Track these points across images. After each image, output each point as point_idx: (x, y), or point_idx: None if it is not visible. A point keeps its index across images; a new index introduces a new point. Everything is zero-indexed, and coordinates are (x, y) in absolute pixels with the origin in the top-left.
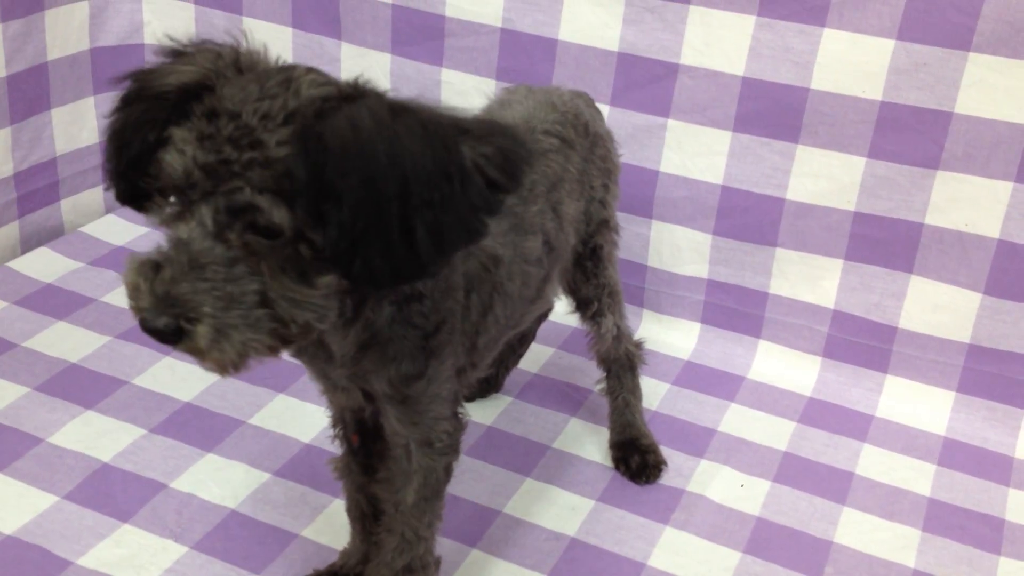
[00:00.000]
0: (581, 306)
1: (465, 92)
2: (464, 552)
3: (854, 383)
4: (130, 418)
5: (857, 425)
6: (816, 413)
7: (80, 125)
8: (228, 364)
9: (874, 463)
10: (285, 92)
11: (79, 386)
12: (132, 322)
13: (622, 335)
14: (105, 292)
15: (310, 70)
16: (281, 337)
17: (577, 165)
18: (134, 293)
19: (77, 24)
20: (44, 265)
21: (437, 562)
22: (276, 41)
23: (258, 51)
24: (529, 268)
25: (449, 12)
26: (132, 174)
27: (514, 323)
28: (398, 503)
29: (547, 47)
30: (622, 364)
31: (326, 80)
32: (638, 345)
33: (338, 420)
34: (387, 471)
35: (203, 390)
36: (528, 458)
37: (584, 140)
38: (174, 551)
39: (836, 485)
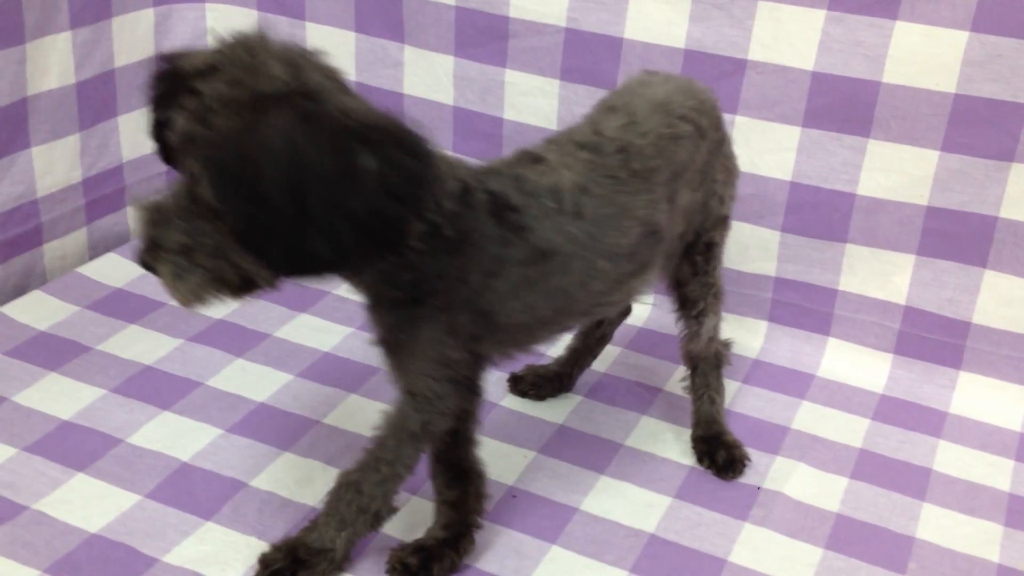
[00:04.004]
0: (685, 304)
1: (529, 93)
2: (544, 548)
3: (926, 380)
4: (206, 418)
5: (931, 422)
6: (889, 410)
7: (146, 132)
8: (186, 301)
9: (951, 459)
10: (248, 81)
11: (154, 388)
12: (203, 325)
13: (715, 335)
14: None
15: (284, 59)
16: (229, 287)
17: (704, 156)
18: (138, 226)
19: (143, 31)
20: (112, 270)
21: (385, 505)
22: (339, 46)
23: (273, 38)
24: (603, 263)
25: (513, 13)
26: (160, 137)
27: (579, 313)
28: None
29: (612, 46)
30: (709, 362)
31: (281, 75)
32: (726, 344)
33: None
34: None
35: (276, 391)
36: (602, 455)
37: (716, 133)
38: (257, 548)
39: (914, 481)
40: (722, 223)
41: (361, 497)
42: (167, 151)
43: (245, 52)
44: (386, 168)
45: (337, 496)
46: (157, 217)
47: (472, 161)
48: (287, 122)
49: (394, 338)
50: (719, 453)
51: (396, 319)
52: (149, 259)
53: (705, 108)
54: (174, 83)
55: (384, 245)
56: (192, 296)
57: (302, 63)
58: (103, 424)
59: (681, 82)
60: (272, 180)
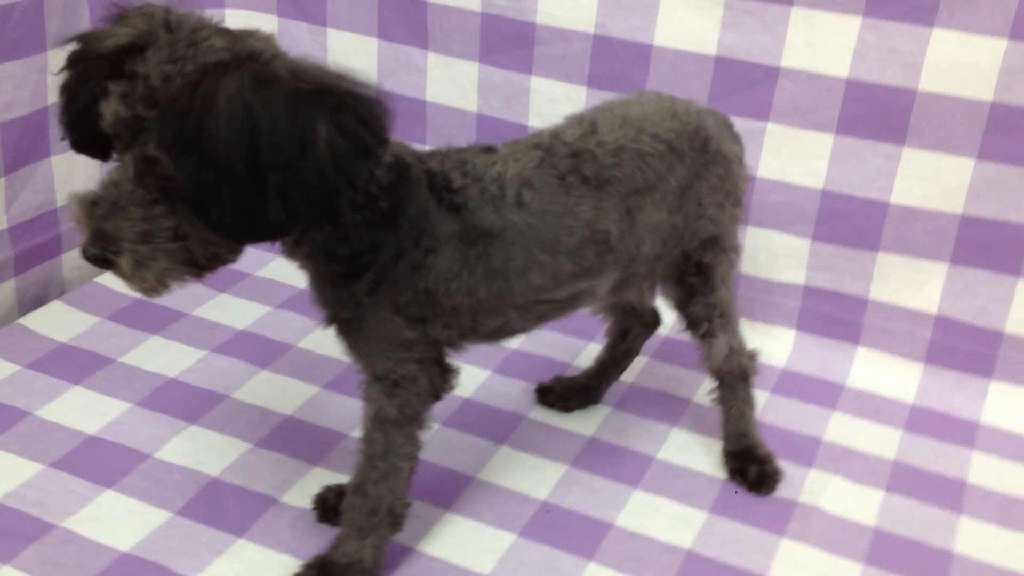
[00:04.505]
0: (691, 325)
1: (556, 100)
2: (581, 566)
3: (957, 389)
4: (234, 432)
5: (964, 432)
6: (921, 421)
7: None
8: (150, 289)
9: (985, 471)
10: (191, 55)
11: (180, 401)
12: (226, 336)
13: (735, 351)
14: (196, 306)
15: (221, 32)
16: (195, 266)
17: (680, 177)
18: (77, 226)
19: None
20: None
21: (393, 498)
22: (361, 52)
23: (190, 12)
24: (542, 255)
25: (540, 20)
26: (80, 125)
27: (519, 306)
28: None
29: (641, 53)
30: (735, 375)
31: (224, 46)
32: (751, 356)
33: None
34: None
35: (303, 403)
36: (634, 469)
37: (699, 155)
38: (292, 566)
39: (950, 494)
40: (714, 244)
41: (368, 500)
42: (87, 139)
43: (169, 27)
44: (336, 135)
45: (349, 505)
46: (103, 209)
47: None
48: (241, 86)
49: (339, 317)
50: (751, 468)
51: (337, 296)
52: (100, 251)
53: (687, 131)
54: (91, 66)
55: (324, 212)
56: (157, 283)
57: (235, 32)
58: (130, 439)
59: (666, 103)
60: (231, 144)
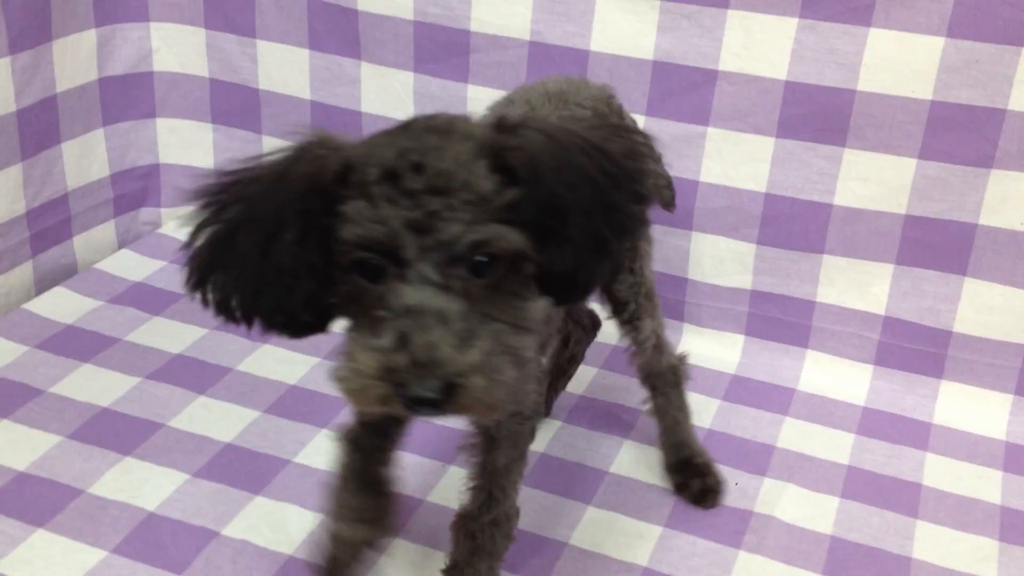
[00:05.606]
0: (617, 308)
1: None
2: None
3: (908, 390)
4: (171, 463)
5: (917, 434)
6: (873, 424)
7: (91, 158)
8: (496, 408)
9: (940, 473)
10: (447, 136)
11: (113, 432)
12: (161, 361)
13: (663, 345)
14: (129, 331)
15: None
16: (522, 374)
17: None
18: (386, 375)
19: (85, 54)
20: (62, 305)
21: (516, 512)
22: (292, 64)
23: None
24: None
25: (475, 27)
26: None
27: None
28: (486, 465)
29: (578, 58)
30: (667, 380)
31: (472, 120)
32: (681, 359)
33: None
34: (474, 436)
35: (243, 429)
36: (587, 485)
37: (619, 120)
38: None
39: (905, 498)
40: None
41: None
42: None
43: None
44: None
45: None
46: (431, 334)
47: None
48: (550, 136)
49: None
50: (693, 482)
51: None
52: (441, 380)
53: (602, 96)
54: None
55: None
56: (506, 398)
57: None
58: (62, 474)
59: (575, 78)
60: (583, 186)
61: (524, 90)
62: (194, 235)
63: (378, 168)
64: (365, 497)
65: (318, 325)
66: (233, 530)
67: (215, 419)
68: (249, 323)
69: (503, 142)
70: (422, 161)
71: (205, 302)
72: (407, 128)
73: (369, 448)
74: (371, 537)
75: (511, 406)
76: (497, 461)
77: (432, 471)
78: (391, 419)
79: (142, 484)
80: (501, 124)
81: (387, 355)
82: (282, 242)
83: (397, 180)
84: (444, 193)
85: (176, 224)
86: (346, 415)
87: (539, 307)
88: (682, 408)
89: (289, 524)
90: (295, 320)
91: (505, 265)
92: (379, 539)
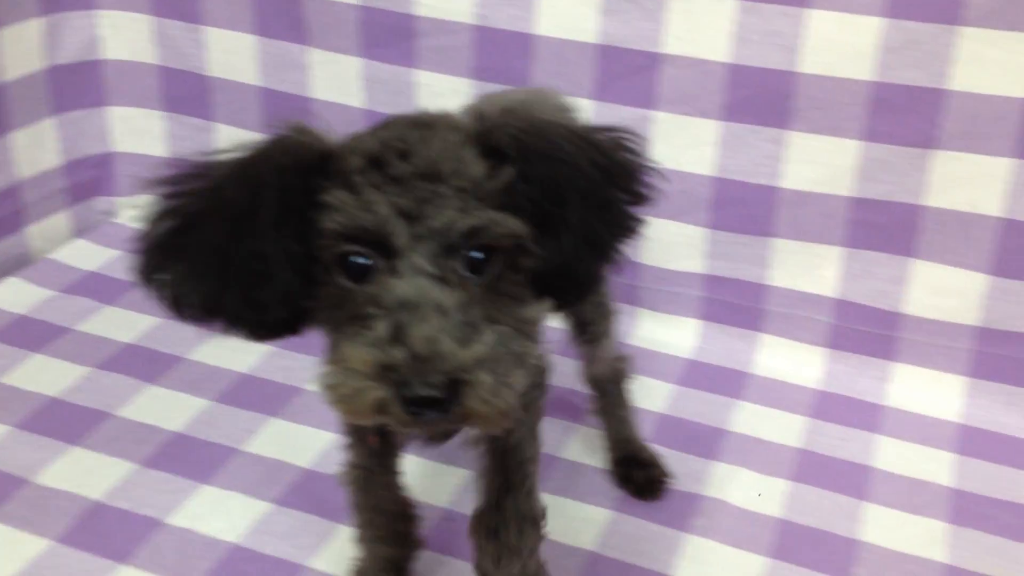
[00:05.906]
0: (580, 328)
1: (441, 94)
2: None
3: (861, 373)
4: (119, 452)
5: (869, 416)
6: (826, 406)
7: (42, 147)
8: (507, 415)
9: (891, 455)
10: (431, 128)
11: (62, 421)
12: (112, 350)
13: (612, 354)
14: (80, 321)
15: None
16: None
17: None
18: (383, 373)
19: (32, 43)
20: (14, 295)
21: (543, 507)
22: (240, 50)
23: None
24: None
25: (420, 11)
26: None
27: None
28: (495, 447)
29: (523, 43)
30: (611, 380)
31: (453, 115)
32: (624, 359)
33: (351, 424)
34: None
35: (192, 419)
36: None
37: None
38: None
39: (856, 480)
40: None
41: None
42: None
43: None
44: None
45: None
46: (430, 328)
47: None
48: (542, 127)
49: None
50: (636, 474)
51: None
52: (446, 377)
53: (562, 108)
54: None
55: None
56: (514, 402)
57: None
58: (8, 463)
59: (532, 89)
60: (579, 176)
61: (483, 101)
62: (151, 223)
63: (362, 156)
64: (388, 519)
65: (291, 324)
66: (178, 519)
67: (165, 408)
68: (207, 320)
69: (488, 126)
70: (408, 149)
71: (158, 296)
72: (388, 125)
73: (383, 471)
74: (402, 556)
75: (519, 413)
76: (508, 439)
77: (449, 479)
78: (386, 444)
79: (89, 473)
80: (483, 115)
81: (383, 349)
82: (257, 225)
83: (383, 167)
84: (434, 179)
85: (132, 213)
86: (338, 424)
87: (539, 311)
88: (624, 405)
89: (235, 512)
90: (265, 317)
91: (502, 261)
92: (411, 555)
